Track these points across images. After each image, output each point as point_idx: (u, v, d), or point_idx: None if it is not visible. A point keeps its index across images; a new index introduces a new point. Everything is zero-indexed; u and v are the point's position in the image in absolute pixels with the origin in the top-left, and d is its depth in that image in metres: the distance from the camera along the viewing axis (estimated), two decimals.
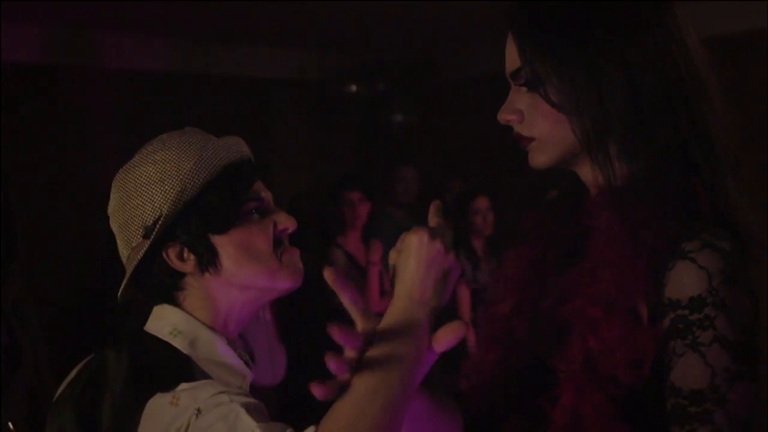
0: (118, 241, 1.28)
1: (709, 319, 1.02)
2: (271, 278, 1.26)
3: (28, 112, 4.93)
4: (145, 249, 1.21)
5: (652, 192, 1.09)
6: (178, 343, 1.23)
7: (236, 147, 1.29)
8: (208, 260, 1.23)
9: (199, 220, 1.22)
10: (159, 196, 1.21)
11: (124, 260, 1.27)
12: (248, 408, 1.10)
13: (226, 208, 1.23)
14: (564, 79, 1.12)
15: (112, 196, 1.28)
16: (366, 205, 4.29)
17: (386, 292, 4.23)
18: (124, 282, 1.25)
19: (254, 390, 1.27)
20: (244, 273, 1.24)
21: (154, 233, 1.20)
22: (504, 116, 1.18)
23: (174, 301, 1.26)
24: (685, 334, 1.03)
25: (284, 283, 1.27)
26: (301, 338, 4.06)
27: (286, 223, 1.28)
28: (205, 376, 1.20)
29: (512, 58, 1.16)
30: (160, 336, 1.24)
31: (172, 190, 1.20)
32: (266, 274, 1.25)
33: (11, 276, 2.23)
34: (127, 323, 1.31)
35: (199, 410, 1.10)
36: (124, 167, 1.27)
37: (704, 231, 1.05)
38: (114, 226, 1.28)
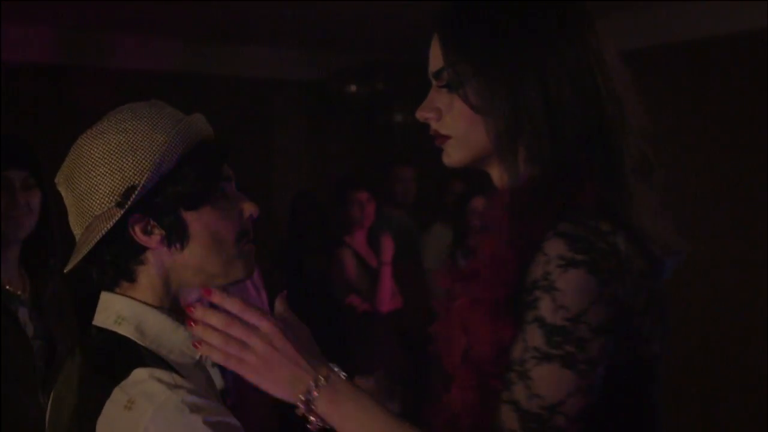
0: (73, 210, 1.24)
1: (535, 301, 1.08)
2: (226, 266, 1.25)
3: (34, 112, 4.93)
4: (117, 218, 1.17)
5: (539, 192, 1.14)
6: (123, 330, 1.21)
7: (205, 125, 1.27)
8: (177, 236, 1.21)
9: (173, 194, 1.20)
10: (130, 166, 1.18)
11: (79, 229, 1.23)
12: None
13: (202, 183, 1.21)
14: (483, 83, 1.17)
15: (69, 163, 1.24)
16: (373, 204, 4.33)
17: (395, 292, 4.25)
18: (84, 251, 1.20)
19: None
20: (203, 254, 1.23)
21: (129, 202, 1.17)
22: (422, 114, 1.25)
23: (129, 276, 1.23)
24: (522, 315, 1.10)
25: (236, 273, 1.26)
26: None
27: (252, 209, 1.28)
28: (157, 358, 1.18)
29: (436, 59, 1.23)
30: (106, 326, 1.22)
31: (144, 161, 1.18)
32: (223, 260, 1.24)
33: (50, 272, 2.28)
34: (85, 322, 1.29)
35: None
36: (87, 134, 1.23)
37: (565, 221, 1.10)
38: (69, 195, 1.24)
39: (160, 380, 1.12)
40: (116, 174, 1.18)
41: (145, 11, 4.64)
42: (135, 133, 1.19)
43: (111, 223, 1.18)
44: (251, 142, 5.50)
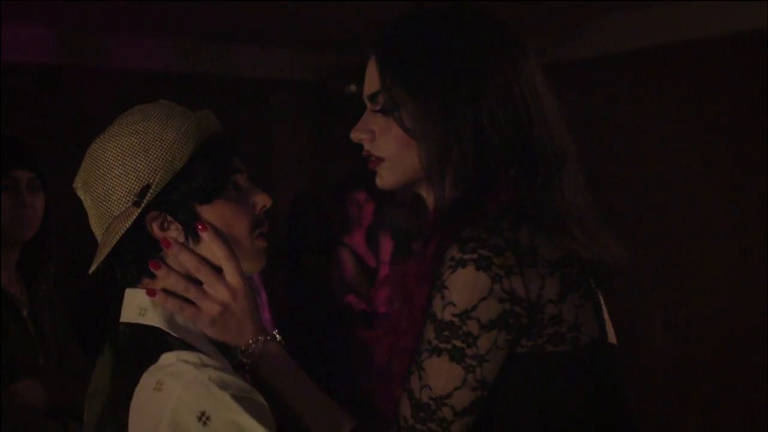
0: (92, 213, 1.27)
1: (431, 298, 1.15)
2: (240, 257, 1.27)
3: (34, 112, 4.93)
4: (134, 217, 1.21)
5: (454, 212, 1.19)
6: (149, 320, 1.24)
7: (213, 120, 1.31)
8: (192, 230, 1.24)
9: (186, 189, 1.23)
10: (143, 166, 1.21)
11: (101, 231, 1.26)
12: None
13: (214, 177, 1.24)
14: (417, 108, 1.21)
15: (85, 168, 1.27)
16: (371, 204, 4.33)
17: None
18: (106, 251, 1.24)
19: None
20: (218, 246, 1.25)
21: (145, 200, 1.21)
22: (356, 135, 1.29)
23: (151, 273, 1.26)
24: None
25: (247, 266, 1.29)
26: (301, 337, 4.07)
27: (265, 200, 1.30)
28: (184, 343, 1.21)
29: (372, 82, 1.28)
30: (131, 321, 1.25)
31: (157, 160, 1.21)
32: (237, 251, 1.27)
33: (44, 276, 2.29)
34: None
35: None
36: (100, 138, 1.27)
37: (468, 228, 1.15)
38: (87, 198, 1.28)
39: (186, 361, 1.16)
40: (131, 175, 1.22)
41: (145, 11, 4.64)
42: (146, 133, 1.23)
43: (129, 223, 1.21)
44: (251, 142, 5.50)
